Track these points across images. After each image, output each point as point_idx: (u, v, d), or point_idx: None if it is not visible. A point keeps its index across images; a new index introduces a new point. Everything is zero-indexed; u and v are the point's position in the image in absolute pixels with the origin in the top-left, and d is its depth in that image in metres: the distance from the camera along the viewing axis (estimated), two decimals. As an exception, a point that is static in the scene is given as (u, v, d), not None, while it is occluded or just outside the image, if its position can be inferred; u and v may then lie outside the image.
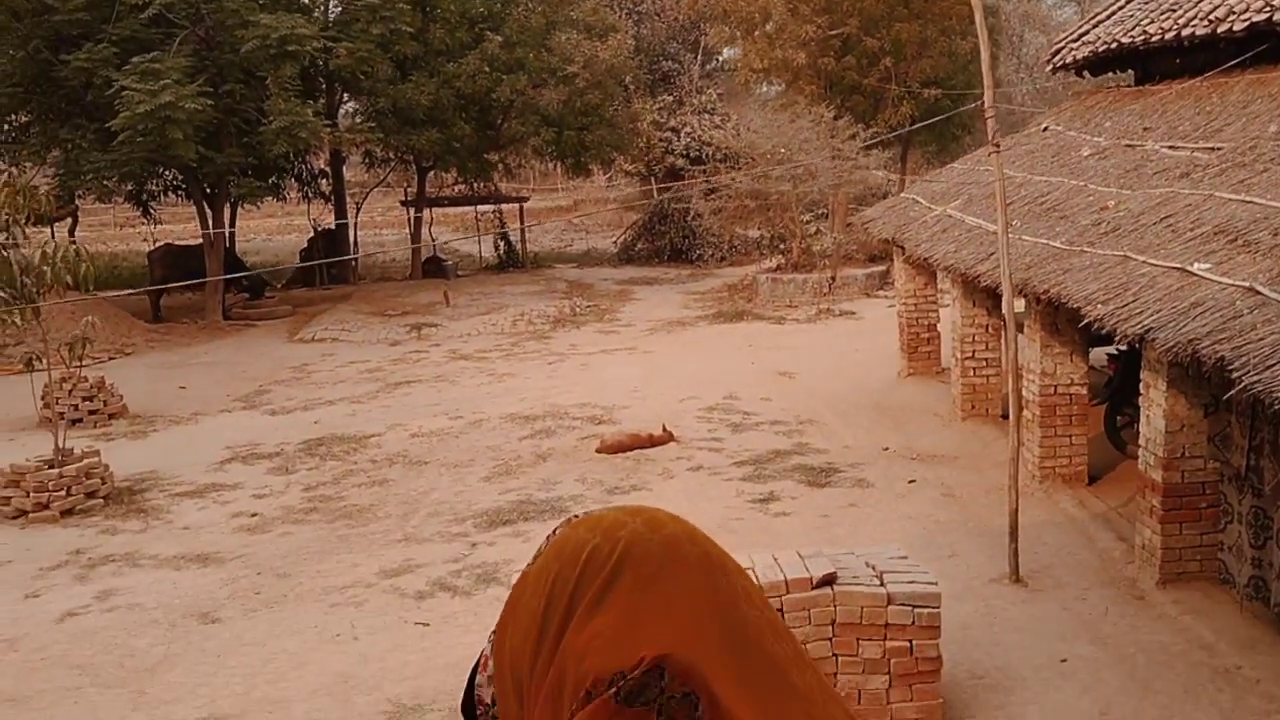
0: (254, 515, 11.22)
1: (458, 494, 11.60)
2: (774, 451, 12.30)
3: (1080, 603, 7.84)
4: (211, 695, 7.23)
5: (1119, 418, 10.86)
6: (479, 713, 1.29)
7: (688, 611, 1.18)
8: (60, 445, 11.70)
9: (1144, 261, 8.01)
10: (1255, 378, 5.86)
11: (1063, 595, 7.98)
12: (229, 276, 23.90)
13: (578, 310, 23.23)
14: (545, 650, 1.20)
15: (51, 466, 11.52)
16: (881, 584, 6.31)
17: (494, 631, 1.28)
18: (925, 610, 6.21)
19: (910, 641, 6.23)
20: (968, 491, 10.50)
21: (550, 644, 1.19)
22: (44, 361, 12.99)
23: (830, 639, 6.26)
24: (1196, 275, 7.27)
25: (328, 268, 28.02)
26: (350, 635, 8.08)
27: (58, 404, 13.58)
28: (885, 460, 11.70)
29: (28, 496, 11.35)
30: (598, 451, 12.87)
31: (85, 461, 11.80)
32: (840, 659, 6.27)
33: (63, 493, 11.40)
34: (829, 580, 6.29)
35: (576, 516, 1.29)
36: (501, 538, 10.29)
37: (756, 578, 6.24)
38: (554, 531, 1.28)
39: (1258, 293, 6.54)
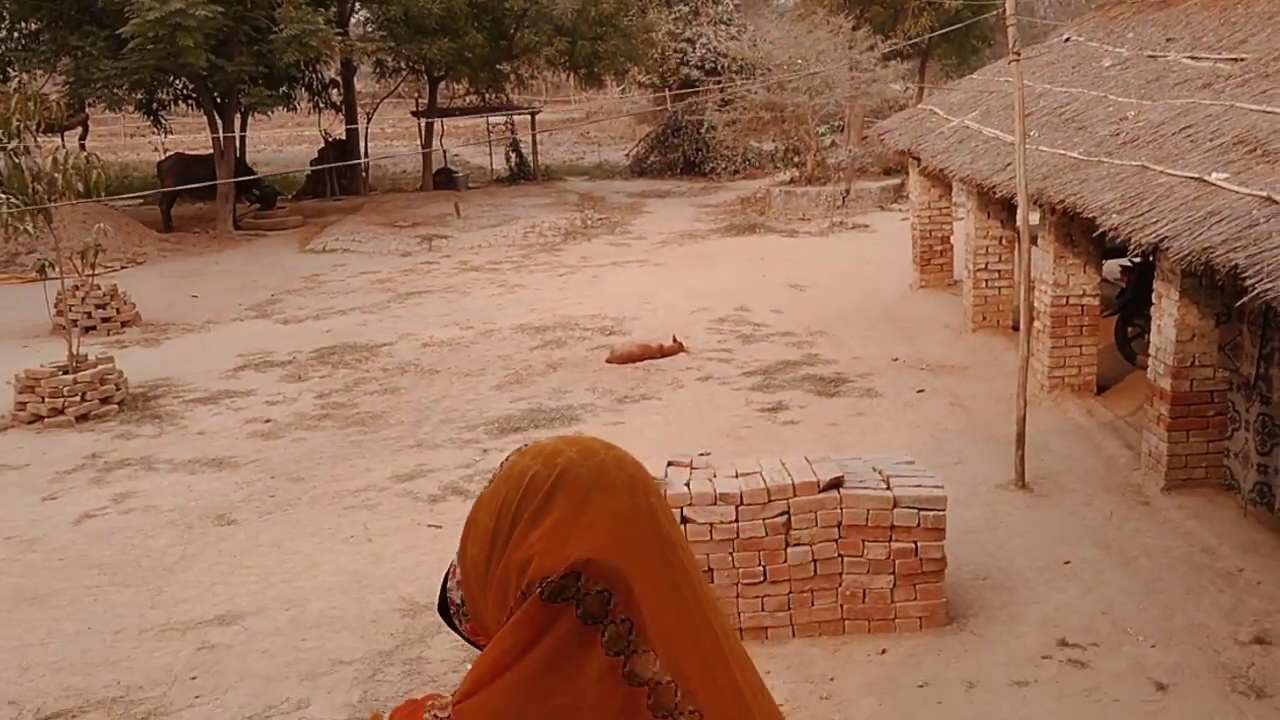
0: (267, 421, 11.33)
1: (469, 402, 11.68)
2: (783, 362, 12.33)
3: (1085, 508, 7.90)
4: (228, 594, 7.37)
5: (1130, 329, 10.85)
6: (452, 612, 1.58)
7: (609, 525, 1.43)
8: (74, 352, 11.78)
9: (1161, 171, 7.94)
10: (1268, 285, 5.84)
11: (1068, 500, 8.05)
12: (240, 180, 23.81)
13: (589, 223, 23.13)
14: (495, 559, 1.46)
15: (66, 373, 11.61)
16: (888, 488, 6.37)
17: (459, 547, 1.54)
18: (930, 513, 6.28)
19: (915, 543, 6.31)
20: (976, 401, 10.54)
21: (498, 554, 1.46)
22: (57, 269, 13.03)
23: (836, 540, 6.34)
24: (1214, 185, 7.20)
25: (338, 179, 27.90)
26: (364, 537, 8.20)
27: (71, 311, 13.66)
28: (894, 370, 11.72)
29: (43, 402, 11.46)
30: (608, 362, 12.92)
31: (99, 368, 11.89)
32: (846, 560, 6.36)
33: (78, 398, 11.51)
34: (836, 484, 6.35)
35: (525, 447, 1.54)
36: (512, 444, 10.37)
37: (764, 481, 6.32)
38: (506, 459, 1.53)
39: (1274, 201, 6.49)
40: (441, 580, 1.59)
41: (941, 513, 6.29)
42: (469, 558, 1.51)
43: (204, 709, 5.81)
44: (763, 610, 6.42)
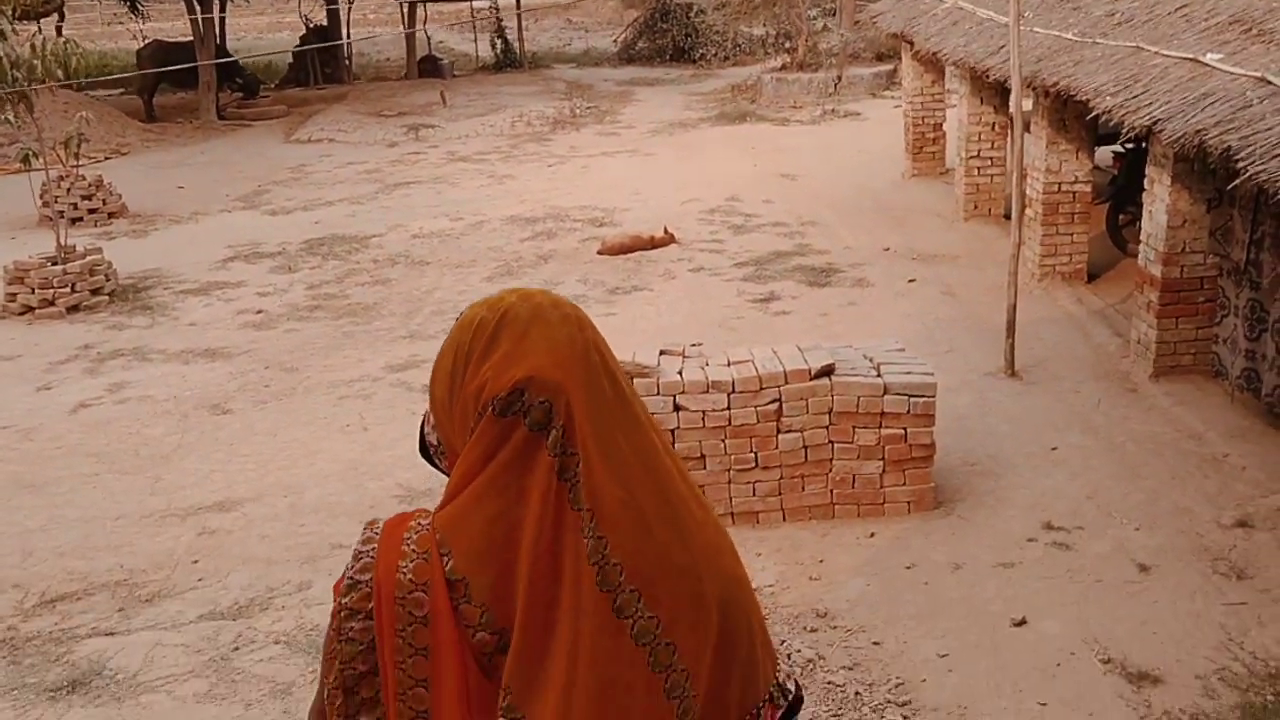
0: (259, 312, 11.32)
1: (460, 293, 11.67)
2: (775, 253, 12.31)
3: (1074, 395, 7.99)
4: (227, 481, 7.46)
5: (1121, 216, 10.84)
6: (431, 452, 1.85)
7: (546, 350, 1.67)
8: (62, 243, 11.70)
9: (1156, 52, 7.85)
10: (1261, 167, 5.83)
11: (1057, 388, 8.13)
12: (222, 63, 23.36)
13: (577, 112, 22.82)
14: (455, 394, 1.71)
15: (55, 264, 11.55)
16: (878, 375, 6.43)
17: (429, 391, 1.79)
18: (920, 399, 6.34)
19: (905, 429, 6.39)
20: (967, 290, 10.57)
21: (457, 389, 1.71)
22: (41, 160, 12.86)
23: (827, 427, 6.42)
24: (1208, 66, 7.13)
25: (321, 67, 27.41)
26: (360, 426, 8.27)
27: (56, 203, 13.51)
28: (886, 260, 11.72)
29: (33, 293, 11.42)
30: (599, 253, 12.88)
31: (88, 259, 11.83)
32: (836, 446, 6.45)
33: (68, 289, 11.47)
34: (827, 371, 6.40)
35: (474, 302, 1.77)
36: (504, 335, 10.40)
37: (756, 369, 6.37)
38: (461, 313, 1.77)
39: (1269, 83, 6.44)
40: (419, 427, 1.87)
41: (931, 399, 6.36)
42: (436, 399, 1.77)
43: (207, 591, 5.93)
44: (754, 496, 6.53)
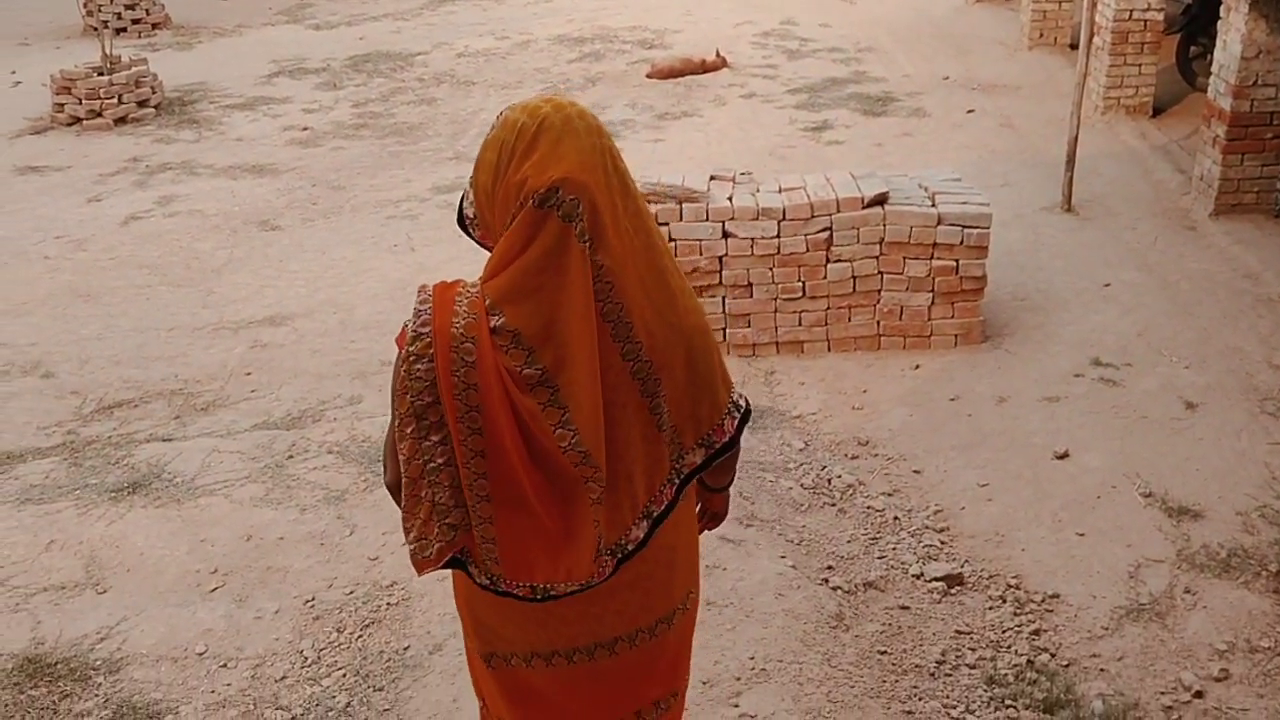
0: (305, 129, 11.24)
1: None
2: (830, 79, 11.99)
3: (1130, 232, 7.85)
4: (277, 297, 7.53)
5: (1192, 48, 10.42)
6: (467, 224, 2.25)
7: (575, 157, 2.07)
8: (108, 53, 11.59)
9: None
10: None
11: (1113, 224, 7.98)
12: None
13: (629, -73, 21.99)
14: (498, 183, 2.11)
15: (101, 74, 11.46)
16: (933, 205, 6.32)
17: (471, 175, 2.20)
18: (975, 231, 6.24)
19: (957, 261, 6.31)
20: (1027, 122, 10.29)
21: (501, 179, 2.10)
22: (83, -34, 12.65)
23: (877, 258, 6.35)
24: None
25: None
26: (407, 246, 8.29)
27: (100, 11, 13.33)
28: (944, 89, 11.40)
29: (80, 104, 11.38)
30: (648, 76, 12.61)
31: (134, 70, 11.73)
32: (886, 277, 6.39)
33: (115, 100, 11.42)
34: (880, 200, 6.30)
35: (514, 104, 2.17)
36: (551, 158, 10.30)
37: (807, 196, 6.27)
38: (501, 113, 2.16)
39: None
40: (458, 202, 2.24)
41: (986, 231, 6.26)
42: (480, 184, 2.15)
43: (260, 402, 6.05)
44: (799, 325, 6.52)
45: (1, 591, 4.16)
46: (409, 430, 2.13)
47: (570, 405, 2.10)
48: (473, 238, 2.25)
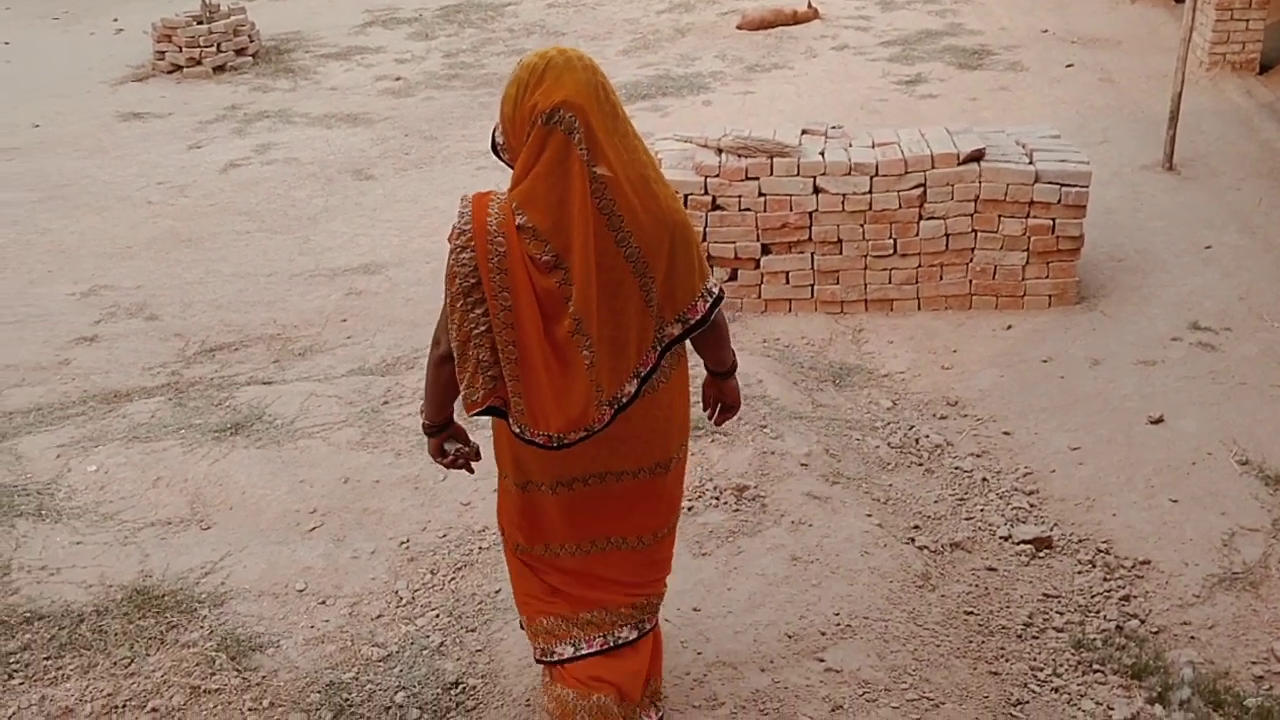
0: (398, 79, 11.35)
1: (597, 66, 11.49)
2: (924, 32, 11.79)
3: (1233, 192, 7.63)
4: (370, 245, 7.66)
5: (1307, 3, 10.05)
6: (497, 150, 2.78)
7: (573, 85, 2.58)
8: (207, 2, 11.79)
9: None
10: None
11: (1216, 184, 7.77)
12: None
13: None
14: (517, 110, 2.63)
15: (200, 22, 11.68)
16: (1030, 162, 6.22)
17: (499, 110, 2.72)
18: (1073, 189, 6.13)
19: (1054, 220, 6.21)
20: (1128, 77, 10.03)
21: (518, 107, 2.62)
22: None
23: (972, 215, 6.28)
24: None
25: None
26: (497, 196, 8.35)
27: (200, -40, 13.52)
28: (1043, 43, 11.14)
29: (180, 51, 11.62)
30: (738, 28, 12.51)
31: (233, 19, 11.93)
32: (980, 235, 6.31)
33: (214, 49, 11.64)
34: (976, 156, 6.21)
35: (530, 51, 2.72)
36: (640, 112, 10.29)
37: (901, 152, 6.21)
38: (521, 59, 2.68)
39: None
40: (491, 134, 2.78)
41: (1085, 190, 6.14)
42: (504, 114, 2.68)
43: (355, 349, 6.19)
44: (889, 283, 6.47)
45: (111, 525, 4.33)
46: (458, 305, 2.72)
47: (574, 284, 2.66)
48: (502, 160, 2.78)
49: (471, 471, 3.12)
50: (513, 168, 2.70)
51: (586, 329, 2.68)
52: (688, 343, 2.95)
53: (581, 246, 2.62)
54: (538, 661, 3.17)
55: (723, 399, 3.18)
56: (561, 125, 2.57)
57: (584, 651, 3.08)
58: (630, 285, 2.71)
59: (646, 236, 2.69)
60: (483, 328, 2.72)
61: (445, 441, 3.04)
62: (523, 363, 2.72)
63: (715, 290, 2.88)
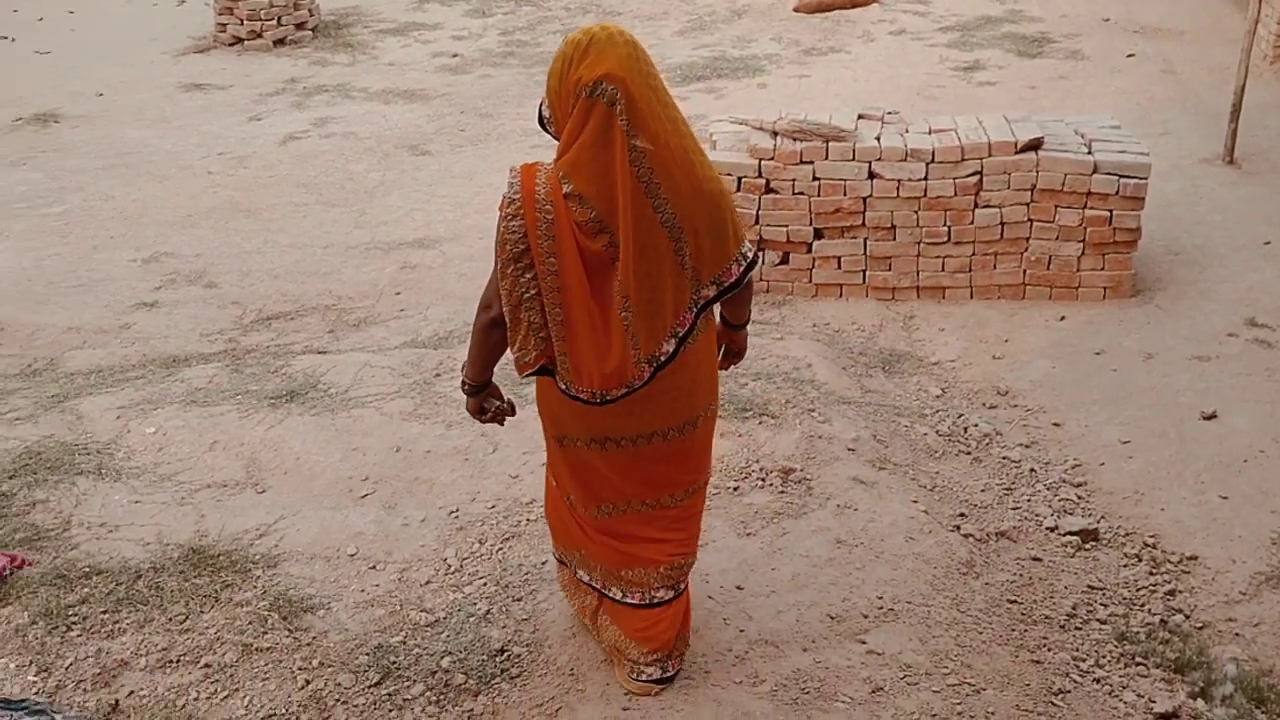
0: (455, 56, 11.42)
1: (651, 47, 11.31)
2: (984, 18, 11.68)
3: (1296, 189, 7.53)
4: (426, 220, 7.74)
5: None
6: (544, 122, 2.92)
7: (616, 60, 2.71)
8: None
9: None
10: None
11: (1277, 179, 7.66)
12: None
13: None
14: (562, 84, 2.77)
15: (267, -4, 11.82)
16: (1089, 152, 6.16)
17: (545, 84, 2.88)
18: (1132, 181, 6.07)
19: (1111, 211, 6.15)
20: (1190, 69, 9.89)
21: (564, 80, 2.76)
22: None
23: (1028, 204, 6.24)
24: None
25: None
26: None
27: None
28: (1104, 32, 11.00)
29: (242, 24, 11.75)
30: (795, 10, 12.45)
31: (293, -8, 12.06)
32: (1035, 225, 6.27)
33: (274, 22, 11.76)
34: (1035, 145, 6.17)
35: (574, 29, 2.93)
36: (695, 93, 10.29)
37: (958, 139, 6.18)
38: (566, 35, 2.85)
39: None
40: (538, 108, 2.92)
41: (1144, 181, 6.08)
42: (550, 88, 2.84)
43: (409, 321, 6.27)
44: (942, 271, 6.45)
45: (169, 486, 4.44)
46: (509, 271, 2.87)
47: (621, 246, 2.82)
48: (549, 132, 2.93)
49: (502, 424, 3.32)
50: (559, 140, 2.85)
51: (625, 290, 2.85)
52: (717, 305, 3.11)
53: (624, 211, 2.78)
54: (593, 589, 3.40)
55: (732, 345, 3.37)
56: (604, 97, 2.71)
57: (629, 600, 3.31)
58: (666, 250, 2.85)
59: (683, 204, 2.83)
60: (533, 291, 2.87)
61: (485, 400, 3.24)
62: (568, 324, 2.89)
63: (750, 254, 3.03)
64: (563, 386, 2.99)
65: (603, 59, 2.71)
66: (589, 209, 2.79)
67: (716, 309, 3.15)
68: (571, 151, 2.78)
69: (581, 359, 2.92)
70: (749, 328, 3.37)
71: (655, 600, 3.30)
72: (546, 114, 2.91)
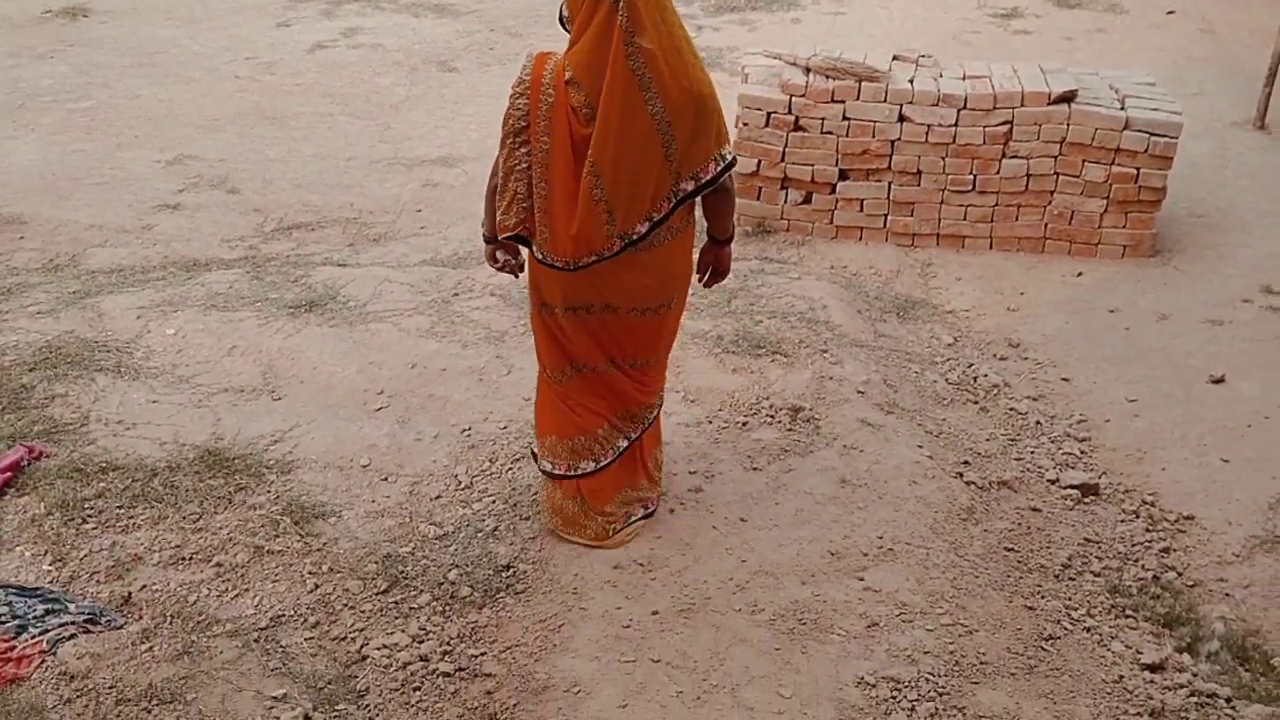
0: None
1: (687, -26, 11.35)
2: (1025, -36, 11.48)
3: (1325, 156, 7.47)
4: (450, 138, 7.73)
5: None
6: (563, 23, 3.24)
7: None
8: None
9: None
10: None
11: (1309, 147, 7.60)
12: None
13: None
14: None
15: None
16: (1122, 108, 6.12)
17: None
18: (1162, 139, 6.04)
19: (1138, 170, 6.13)
20: (1230, 29, 9.74)
21: None
22: None
23: (1055, 157, 6.21)
24: None
25: None
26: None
27: None
28: (1146, -13, 10.83)
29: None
30: (835, -55, 12.24)
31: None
32: (1061, 178, 6.25)
33: (307, -72, 11.61)
34: (1068, 97, 6.12)
35: None
36: (728, 24, 10.19)
37: (992, 86, 6.14)
38: None
39: None
40: (559, 9, 3.25)
41: (1174, 141, 6.05)
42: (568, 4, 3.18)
43: (428, 240, 6.30)
44: (964, 219, 6.44)
45: (186, 388, 4.51)
46: (507, 143, 3.27)
47: (595, 130, 3.17)
48: (566, 30, 3.24)
49: (516, 277, 3.66)
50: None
51: (599, 169, 3.20)
52: (698, 212, 3.48)
53: (607, 101, 3.12)
54: (557, 476, 3.74)
55: (717, 264, 3.68)
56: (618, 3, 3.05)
57: (603, 463, 3.71)
58: (654, 141, 3.19)
59: (673, 102, 3.15)
60: (524, 164, 3.27)
61: (498, 251, 3.57)
62: (549, 197, 3.27)
63: (728, 156, 3.33)
64: (539, 256, 3.40)
65: None
66: (583, 95, 3.15)
67: (700, 215, 3.52)
68: (579, 45, 3.14)
69: (558, 228, 3.30)
70: (733, 248, 3.71)
71: (619, 451, 3.72)
72: (565, 14, 3.24)
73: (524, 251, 3.59)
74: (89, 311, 5.01)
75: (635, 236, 3.32)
